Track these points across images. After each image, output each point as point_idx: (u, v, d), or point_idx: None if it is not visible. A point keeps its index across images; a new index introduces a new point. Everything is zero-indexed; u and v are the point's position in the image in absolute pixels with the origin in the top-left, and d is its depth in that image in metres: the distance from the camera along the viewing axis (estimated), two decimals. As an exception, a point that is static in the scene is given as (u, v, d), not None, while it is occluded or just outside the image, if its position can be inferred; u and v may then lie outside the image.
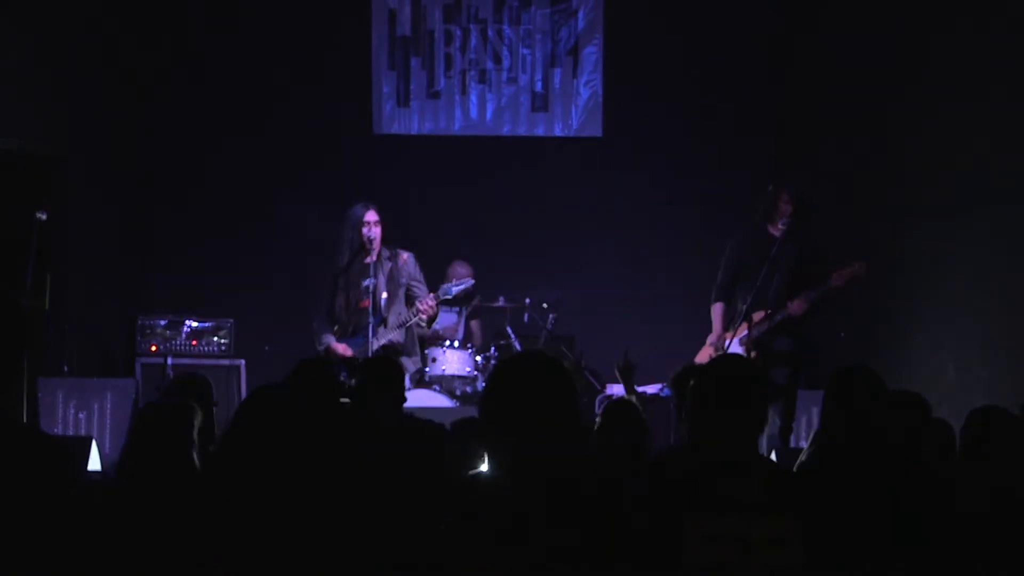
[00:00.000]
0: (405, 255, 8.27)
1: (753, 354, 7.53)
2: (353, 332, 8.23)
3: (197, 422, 4.18)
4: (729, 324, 7.94)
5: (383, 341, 8.09)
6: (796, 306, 7.50)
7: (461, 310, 9.81)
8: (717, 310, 8.07)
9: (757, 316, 7.75)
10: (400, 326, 8.21)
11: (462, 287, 8.41)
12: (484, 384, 3.32)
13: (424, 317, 8.20)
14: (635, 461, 5.04)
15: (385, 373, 5.44)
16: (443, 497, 3.22)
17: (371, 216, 8.16)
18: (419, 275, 8.36)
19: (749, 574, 3.19)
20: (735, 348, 7.75)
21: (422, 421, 5.33)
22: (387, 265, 8.19)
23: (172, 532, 3.57)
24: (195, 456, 4.12)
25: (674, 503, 3.27)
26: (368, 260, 8.11)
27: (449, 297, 8.41)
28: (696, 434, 3.46)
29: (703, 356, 8.04)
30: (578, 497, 3.12)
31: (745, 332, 7.79)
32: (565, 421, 3.19)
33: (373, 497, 3.64)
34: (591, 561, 3.09)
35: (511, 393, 3.20)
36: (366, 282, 8.08)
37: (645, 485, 3.39)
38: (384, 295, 8.16)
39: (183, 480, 3.90)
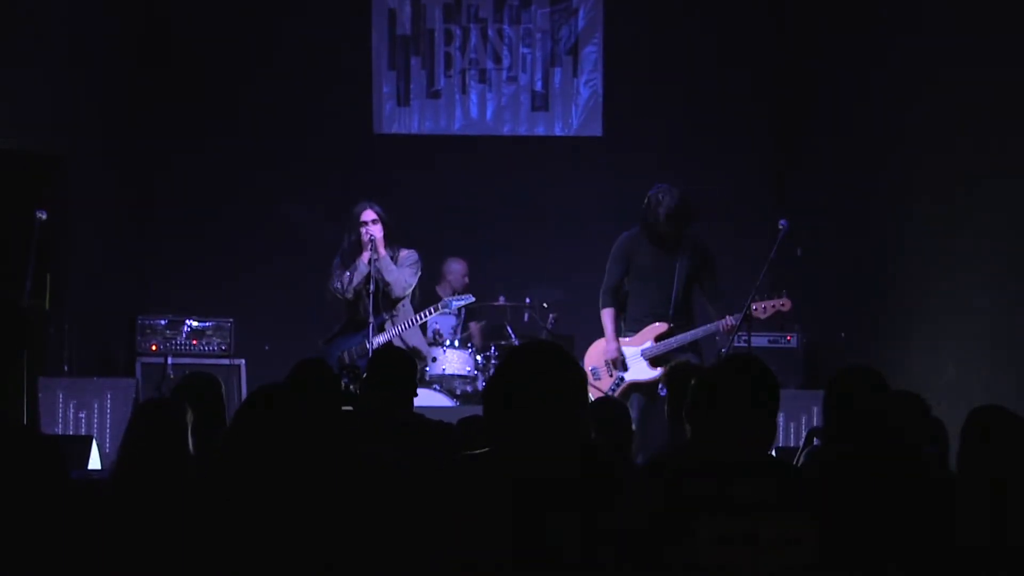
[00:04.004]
0: (404, 253, 8.23)
1: (659, 369, 7.36)
2: (354, 331, 8.21)
3: (190, 420, 4.18)
4: (624, 330, 7.75)
5: (386, 340, 8.05)
6: (725, 324, 7.31)
7: (461, 311, 9.81)
8: (608, 316, 7.76)
9: (658, 328, 7.60)
10: (406, 329, 8.15)
11: (463, 303, 8.45)
12: (493, 369, 3.32)
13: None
14: (622, 459, 5.02)
15: (391, 368, 5.42)
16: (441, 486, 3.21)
17: (368, 215, 8.11)
18: (415, 267, 8.21)
19: (760, 574, 3.19)
20: (637, 360, 7.59)
21: (432, 421, 5.33)
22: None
23: (168, 530, 3.57)
24: (189, 454, 4.12)
25: (680, 503, 3.26)
26: (371, 260, 8.04)
27: (449, 310, 8.46)
28: (701, 434, 3.45)
29: (595, 360, 7.80)
30: (577, 492, 3.12)
31: (649, 344, 7.61)
32: (570, 412, 3.18)
33: (373, 498, 3.63)
34: (589, 560, 3.09)
35: (521, 378, 3.19)
36: (371, 285, 8.02)
37: (644, 484, 3.38)
38: (381, 296, 8.12)
39: (177, 478, 3.89)
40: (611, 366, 7.74)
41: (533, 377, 3.17)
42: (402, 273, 8.12)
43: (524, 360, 3.24)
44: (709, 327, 7.47)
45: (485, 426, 3.26)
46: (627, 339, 7.71)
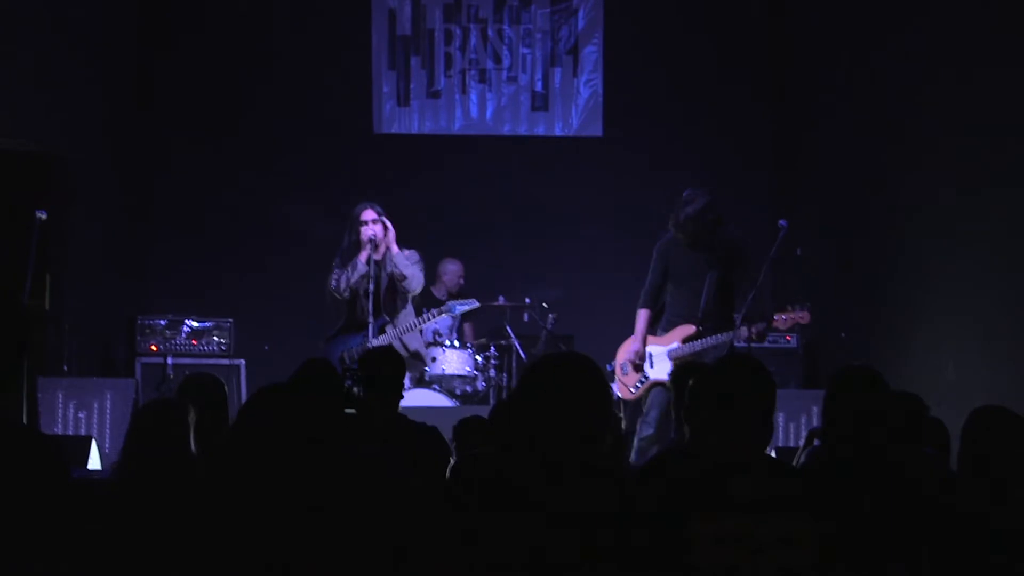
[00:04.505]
0: (407, 252, 8.19)
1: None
2: (355, 331, 8.17)
3: (192, 420, 4.18)
4: (656, 330, 7.69)
5: (387, 342, 8.01)
6: (743, 333, 7.26)
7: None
8: (642, 316, 7.70)
9: (686, 330, 7.54)
10: (407, 331, 8.13)
11: (467, 308, 8.42)
12: (523, 375, 3.33)
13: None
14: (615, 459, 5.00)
15: (377, 369, 5.38)
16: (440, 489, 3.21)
17: (368, 214, 8.09)
18: (409, 264, 8.17)
19: (759, 574, 3.19)
20: (663, 359, 7.55)
21: (417, 424, 5.31)
22: (389, 265, 8.13)
23: (171, 530, 3.57)
24: (192, 454, 4.12)
25: (679, 503, 3.26)
26: (375, 258, 8.02)
27: (452, 314, 8.45)
28: (699, 434, 3.45)
29: (625, 357, 7.78)
30: (583, 490, 3.13)
31: (676, 345, 7.55)
32: (596, 429, 3.20)
33: (372, 496, 3.63)
34: (591, 560, 3.09)
35: (540, 386, 3.20)
36: (371, 285, 8.00)
37: (643, 484, 3.39)
38: (383, 296, 8.11)
39: (180, 478, 3.89)
40: (633, 364, 7.74)
41: (552, 388, 3.19)
42: (415, 269, 8.10)
43: (546, 370, 3.26)
44: (730, 335, 7.32)
45: (496, 428, 3.27)
46: (656, 338, 7.68)
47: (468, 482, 3.19)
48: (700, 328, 7.52)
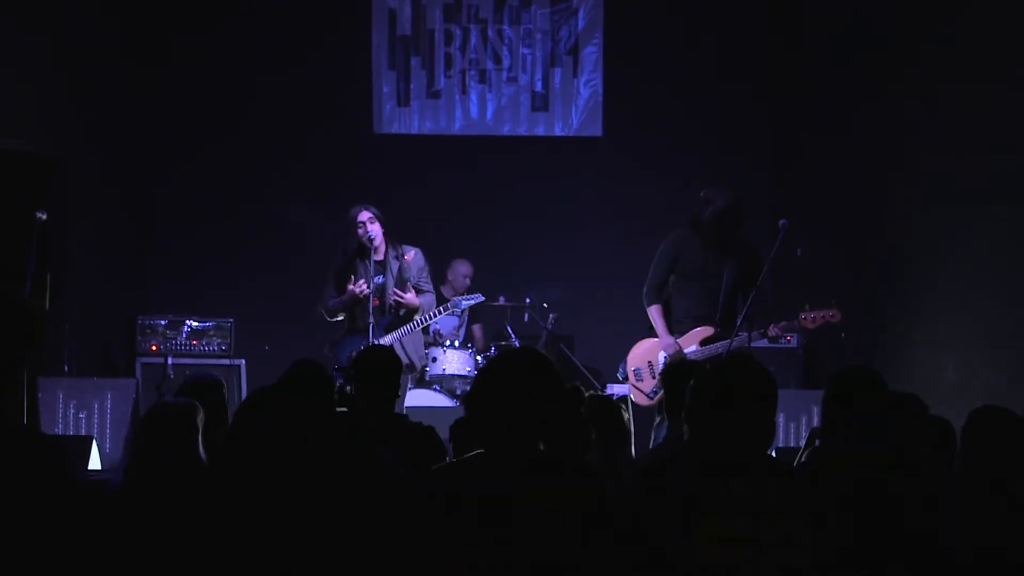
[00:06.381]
0: (412, 252, 8.18)
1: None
2: (361, 332, 8.14)
3: (201, 421, 4.18)
4: (672, 329, 7.46)
5: (395, 339, 7.97)
6: (771, 331, 7.13)
7: (464, 313, 9.77)
8: (657, 312, 7.46)
9: (705, 331, 7.34)
10: (407, 334, 8.10)
11: (472, 302, 8.36)
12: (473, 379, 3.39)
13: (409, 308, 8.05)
14: (616, 461, 5.00)
15: (372, 368, 5.36)
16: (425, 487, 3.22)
17: (364, 216, 8.06)
18: (426, 270, 8.20)
19: (760, 575, 3.19)
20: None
21: (413, 423, 5.30)
22: (394, 265, 8.11)
23: (177, 531, 3.57)
24: (200, 455, 4.12)
25: (680, 503, 3.27)
26: (376, 259, 8.01)
27: (458, 310, 8.39)
28: (701, 434, 3.45)
29: (639, 361, 7.54)
30: (570, 496, 3.13)
31: (694, 348, 7.33)
32: (550, 418, 3.21)
33: (367, 496, 3.64)
34: (590, 561, 3.09)
35: (497, 388, 3.22)
36: (377, 280, 7.99)
37: (639, 485, 3.39)
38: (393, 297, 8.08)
39: (188, 480, 3.89)
40: (653, 367, 7.45)
41: (506, 386, 3.20)
42: (426, 298, 8.07)
43: (499, 370, 3.27)
44: (744, 336, 7.16)
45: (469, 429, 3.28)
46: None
47: (456, 483, 3.19)
48: (718, 330, 7.32)
